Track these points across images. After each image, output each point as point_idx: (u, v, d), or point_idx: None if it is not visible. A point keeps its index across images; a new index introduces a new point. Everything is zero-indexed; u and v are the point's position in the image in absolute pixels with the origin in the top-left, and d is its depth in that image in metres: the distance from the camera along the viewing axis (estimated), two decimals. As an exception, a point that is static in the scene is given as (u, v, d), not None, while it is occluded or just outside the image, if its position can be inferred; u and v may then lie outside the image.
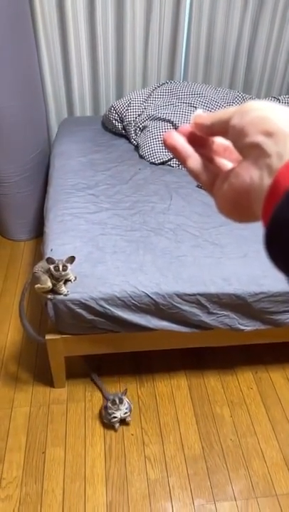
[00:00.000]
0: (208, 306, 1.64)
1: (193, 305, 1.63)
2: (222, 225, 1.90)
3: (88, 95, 2.79)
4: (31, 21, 2.36)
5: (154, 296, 1.60)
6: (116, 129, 2.58)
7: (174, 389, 1.94)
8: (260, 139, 0.32)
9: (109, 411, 1.71)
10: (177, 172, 2.29)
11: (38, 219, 2.56)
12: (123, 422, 1.78)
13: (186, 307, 1.63)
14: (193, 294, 1.61)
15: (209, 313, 1.66)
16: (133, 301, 1.60)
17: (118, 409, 1.70)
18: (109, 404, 1.70)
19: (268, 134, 0.32)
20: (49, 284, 1.55)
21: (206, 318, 1.66)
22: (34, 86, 2.43)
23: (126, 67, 2.71)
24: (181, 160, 0.40)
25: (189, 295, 1.61)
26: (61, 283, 1.56)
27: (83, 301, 1.57)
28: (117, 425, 1.76)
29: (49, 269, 1.53)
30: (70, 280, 1.60)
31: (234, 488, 1.62)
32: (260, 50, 2.81)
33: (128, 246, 1.78)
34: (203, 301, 1.62)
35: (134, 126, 2.51)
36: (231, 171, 0.35)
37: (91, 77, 2.73)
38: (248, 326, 1.71)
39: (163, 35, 2.66)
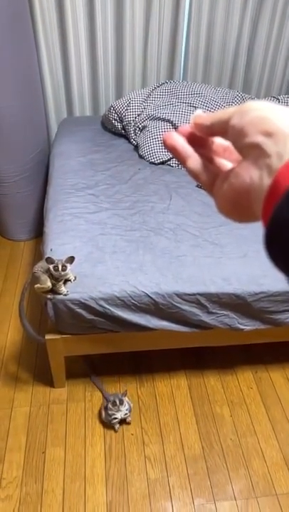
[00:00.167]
0: (208, 305, 1.64)
1: (193, 305, 1.63)
2: (222, 225, 1.90)
3: (88, 95, 2.79)
4: (31, 21, 2.36)
5: (153, 296, 1.60)
6: (115, 128, 2.58)
7: (174, 389, 1.94)
8: (259, 139, 0.32)
9: (110, 412, 1.71)
10: (177, 172, 2.29)
11: (38, 219, 2.56)
12: (123, 421, 1.78)
13: (185, 307, 1.63)
14: (193, 294, 1.61)
15: (209, 312, 1.66)
16: (133, 301, 1.60)
17: (118, 410, 1.70)
18: (110, 406, 1.70)
19: (268, 134, 0.32)
20: (49, 284, 1.55)
21: (205, 317, 1.66)
22: (34, 86, 2.42)
23: (125, 66, 2.71)
24: (181, 160, 0.40)
25: (189, 295, 1.61)
26: (61, 283, 1.56)
27: (83, 301, 1.57)
28: (117, 426, 1.76)
29: (49, 269, 1.53)
30: (69, 280, 1.60)
31: (234, 488, 1.62)
32: (260, 50, 2.81)
33: (128, 246, 1.78)
34: (202, 300, 1.62)
35: (134, 126, 2.51)
36: (231, 171, 0.35)
37: (90, 77, 2.73)
38: (247, 325, 1.72)
39: (162, 35, 2.66)
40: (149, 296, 1.60)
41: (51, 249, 1.73)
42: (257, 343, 1.93)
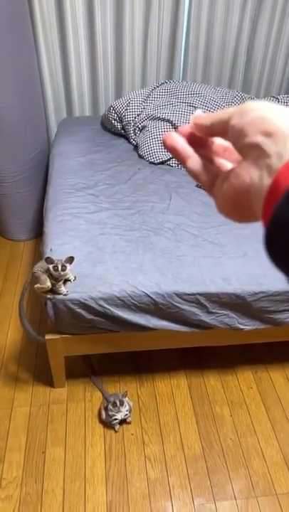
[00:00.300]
0: (208, 305, 1.64)
1: (193, 304, 1.63)
2: (221, 225, 1.90)
3: (87, 95, 2.79)
4: (30, 22, 2.36)
5: (153, 296, 1.60)
6: (115, 128, 2.58)
7: (174, 389, 1.94)
8: (259, 139, 0.32)
9: (110, 413, 1.71)
10: (176, 172, 2.29)
11: (38, 219, 2.56)
12: (123, 421, 1.78)
13: (185, 307, 1.63)
14: (193, 294, 1.61)
15: (209, 312, 1.66)
16: (133, 301, 1.60)
17: (119, 411, 1.70)
18: (110, 407, 1.70)
19: (268, 134, 0.32)
20: (48, 284, 1.55)
21: (205, 317, 1.66)
22: (33, 86, 2.42)
23: (125, 66, 2.71)
24: (181, 161, 0.40)
25: (189, 294, 1.61)
26: (60, 283, 1.56)
27: (83, 300, 1.57)
28: (117, 427, 1.76)
29: (48, 269, 1.53)
30: (69, 280, 1.60)
31: (234, 488, 1.62)
32: (259, 50, 2.82)
33: (127, 246, 1.78)
34: (202, 300, 1.63)
35: (134, 126, 2.51)
36: (231, 171, 0.35)
37: (90, 77, 2.73)
38: (247, 325, 1.72)
39: (162, 35, 2.66)
40: (148, 296, 1.60)
41: (51, 249, 1.73)
42: (257, 342, 1.93)
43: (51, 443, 1.73)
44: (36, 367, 2.00)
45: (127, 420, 1.78)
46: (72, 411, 1.84)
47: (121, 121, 2.54)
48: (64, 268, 1.52)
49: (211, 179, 0.39)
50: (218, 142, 0.40)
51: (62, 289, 1.56)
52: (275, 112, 0.32)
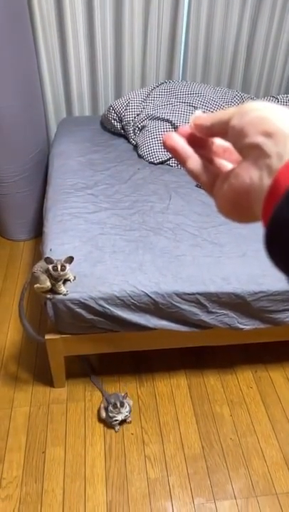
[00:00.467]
0: (208, 305, 1.64)
1: (193, 304, 1.64)
2: (221, 225, 1.90)
3: (87, 95, 2.79)
4: (30, 21, 2.36)
5: (153, 296, 1.60)
6: (115, 128, 2.58)
7: (174, 388, 1.94)
8: (259, 139, 0.32)
9: (111, 414, 1.71)
10: (176, 171, 2.29)
11: (38, 219, 2.56)
12: (123, 421, 1.78)
13: (185, 306, 1.63)
14: (193, 293, 1.62)
15: (208, 312, 1.66)
16: (132, 301, 1.60)
17: (119, 412, 1.71)
18: (111, 408, 1.70)
19: (268, 135, 0.32)
20: (48, 284, 1.55)
21: (205, 317, 1.66)
22: (33, 86, 2.42)
23: (124, 66, 2.71)
24: (181, 161, 0.40)
25: (188, 294, 1.61)
26: (60, 283, 1.56)
27: (82, 300, 1.57)
28: (117, 427, 1.76)
29: (48, 268, 1.53)
30: (69, 280, 1.60)
31: (234, 487, 1.62)
32: (259, 48, 2.81)
33: (127, 245, 1.78)
34: (202, 300, 1.63)
35: (133, 125, 2.51)
36: (231, 171, 0.35)
37: (90, 77, 2.73)
38: (247, 325, 1.72)
39: (161, 35, 2.66)
40: (148, 295, 1.60)
41: (51, 249, 1.73)
42: (256, 342, 1.93)
43: (51, 443, 1.73)
44: (36, 367, 2.00)
45: (127, 420, 1.78)
46: (72, 411, 1.84)
47: (120, 121, 2.54)
48: (63, 268, 1.52)
49: (211, 179, 0.39)
50: (218, 143, 0.41)
51: (62, 288, 1.56)
52: (275, 112, 0.33)
